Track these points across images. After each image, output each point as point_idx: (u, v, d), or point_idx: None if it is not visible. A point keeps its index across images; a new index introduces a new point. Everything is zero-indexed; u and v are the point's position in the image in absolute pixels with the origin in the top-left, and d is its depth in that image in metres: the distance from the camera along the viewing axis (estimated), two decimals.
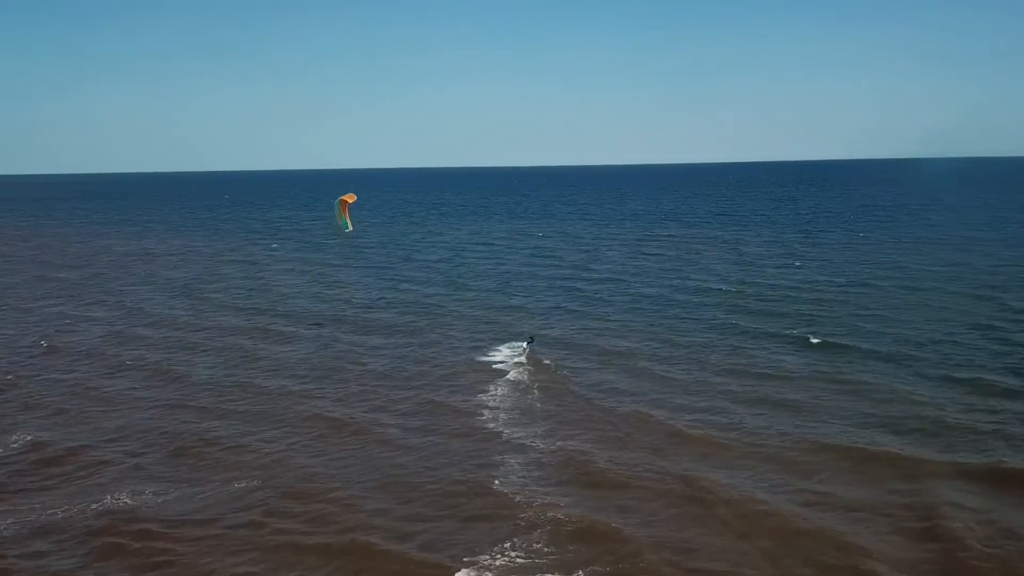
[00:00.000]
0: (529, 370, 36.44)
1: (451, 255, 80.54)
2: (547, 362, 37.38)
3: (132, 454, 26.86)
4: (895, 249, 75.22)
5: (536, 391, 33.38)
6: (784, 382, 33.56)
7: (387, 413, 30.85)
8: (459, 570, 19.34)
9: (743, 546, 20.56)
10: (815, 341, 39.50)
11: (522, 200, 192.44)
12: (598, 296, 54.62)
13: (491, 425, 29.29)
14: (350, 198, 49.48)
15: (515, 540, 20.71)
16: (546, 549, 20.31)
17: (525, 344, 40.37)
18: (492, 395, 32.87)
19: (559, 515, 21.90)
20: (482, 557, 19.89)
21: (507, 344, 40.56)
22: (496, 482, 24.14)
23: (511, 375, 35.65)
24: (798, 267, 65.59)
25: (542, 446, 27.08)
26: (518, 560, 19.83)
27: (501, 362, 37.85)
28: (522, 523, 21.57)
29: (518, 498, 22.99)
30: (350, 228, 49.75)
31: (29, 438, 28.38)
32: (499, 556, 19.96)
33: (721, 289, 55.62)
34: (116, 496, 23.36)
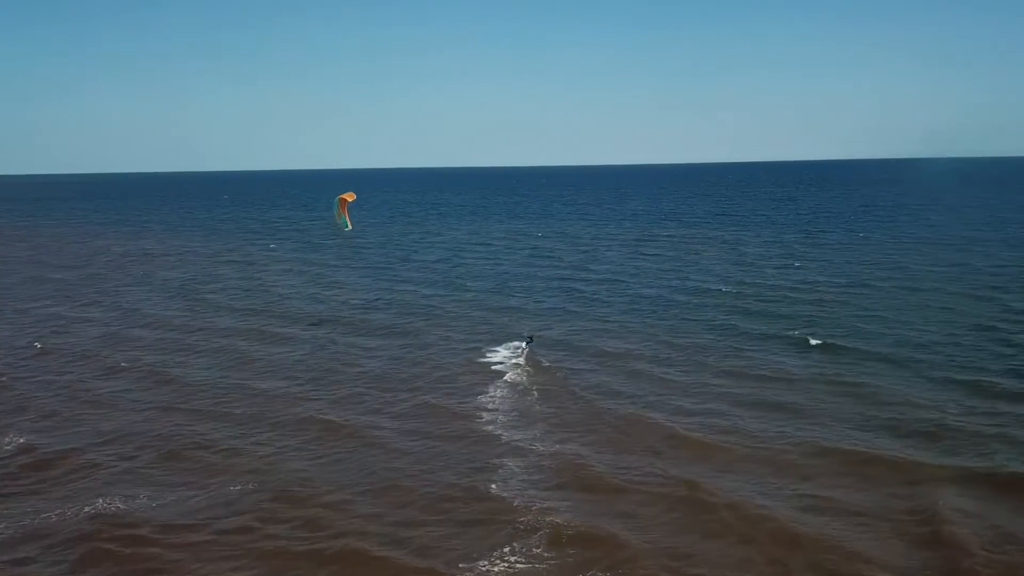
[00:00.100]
0: (527, 371, 36.12)
1: (449, 255, 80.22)
2: (546, 363, 37.06)
3: (124, 457, 26.53)
4: (895, 249, 74.91)
5: (534, 393, 33.07)
6: (784, 384, 33.24)
7: (383, 416, 30.52)
8: None
9: (742, 552, 20.26)
10: (815, 342, 39.18)
11: (521, 200, 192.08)
12: (597, 297, 54.30)
13: (488, 428, 28.97)
14: (350, 197, 49.20)
15: (512, 545, 20.40)
16: (544, 554, 20.01)
17: (524, 344, 40.07)
18: (490, 397, 32.55)
19: (557, 520, 21.57)
20: (479, 563, 19.59)
21: (505, 345, 40.23)
22: (493, 486, 23.81)
23: (509, 376, 35.34)
24: (798, 267, 65.28)
25: (540, 449, 26.75)
26: (517, 566, 19.55)
27: (499, 363, 37.53)
28: (519, 528, 21.25)
29: (515, 502, 22.66)
30: (349, 227, 49.46)
31: (21, 441, 28.05)
32: (496, 562, 19.65)
33: (721, 290, 55.30)
34: (107, 500, 23.01)
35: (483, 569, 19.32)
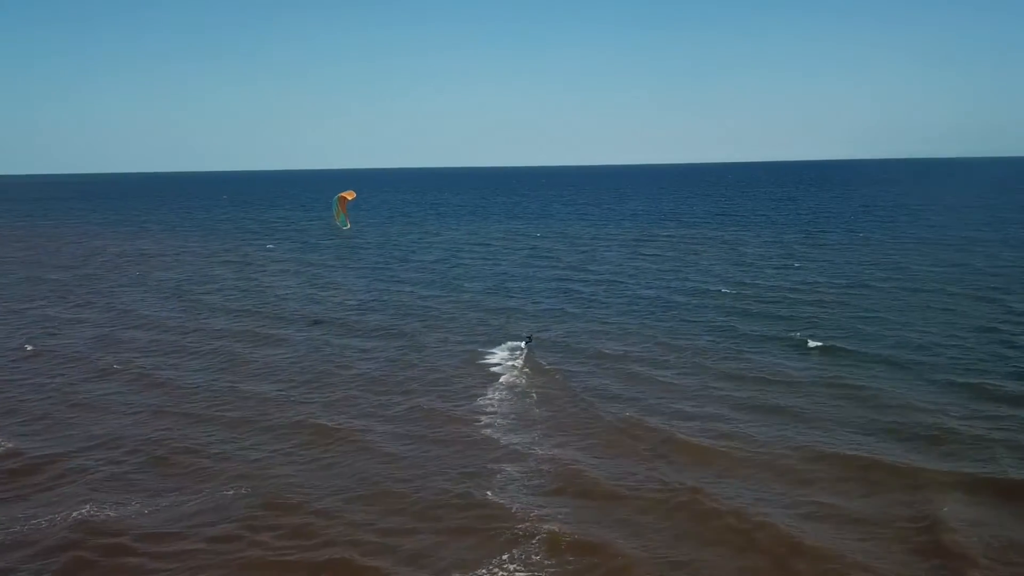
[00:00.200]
0: (525, 373, 35.65)
1: (448, 256, 79.76)
2: (543, 366, 36.59)
3: (112, 462, 26.03)
4: (896, 250, 74.43)
5: (532, 396, 32.57)
6: (784, 387, 32.77)
7: (376, 419, 30.03)
8: None
9: (742, 560, 19.82)
10: (816, 344, 38.71)
11: (520, 200, 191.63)
12: (596, 298, 53.85)
13: (485, 432, 28.47)
14: (349, 195, 48.82)
15: (509, 553, 19.94)
16: (541, 563, 19.56)
17: (523, 344, 39.68)
18: (486, 400, 32.05)
19: (554, 527, 21.06)
20: (474, 572, 19.11)
21: (503, 346, 39.77)
22: (489, 492, 23.29)
23: (506, 379, 34.86)
24: (797, 268, 64.82)
25: (537, 454, 26.24)
26: (517, 574, 19.06)
27: (497, 364, 37.08)
28: (515, 535, 20.75)
29: (511, 509, 22.15)
30: (347, 226, 49.07)
31: (9, 445, 27.58)
32: (493, 570, 19.20)
33: (720, 291, 54.84)
34: (92, 507, 22.50)
35: None
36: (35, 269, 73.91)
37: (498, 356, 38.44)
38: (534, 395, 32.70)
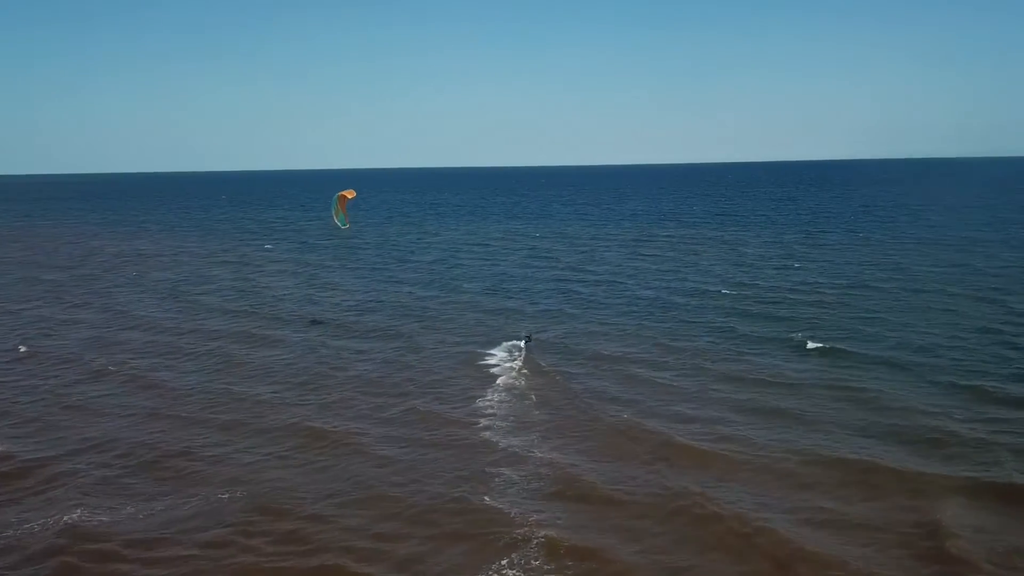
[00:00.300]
0: (524, 374, 35.32)
1: (446, 256, 79.44)
2: (542, 367, 36.27)
3: (103, 466, 25.68)
4: (896, 250, 74.10)
5: (529, 398, 32.23)
6: (783, 389, 32.43)
7: (372, 422, 29.69)
8: None
9: (741, 566, 19.50)
10: (816, 346, 38.38)
11: (520, 200, 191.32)
12: (595, 298, 53.52)
13: (481, 435, 28.11)
14: (349, 194, 48.54)
15: (505, 559, 19.63)
16: (538, 569, 19.23)
17: (523, 343, 39.40)
18: (483, 402, 31.68)
19: (551, 532, 20.72)
20: None
21: (501, 347, 39.47)
22: (486, 497, 22.94)
23: (504, 380, 34.50)
24: (797, 268, 64.49)
25: (535, 458, 25.86)
26: None
27: (495, 366, 36.74)
28: (511, 541, 20.42)
29: (508, 514, 21.81)
30: (347, 225, 48.77)
31: (1, 448, 27.22)
32: None
33: (720, 291, 54.51)
34: (82, 512, 22.16)
35: None
36: (32, 269, 73.58)
37: (496, 357, 38.11)
38: (533, 397, 32.36)
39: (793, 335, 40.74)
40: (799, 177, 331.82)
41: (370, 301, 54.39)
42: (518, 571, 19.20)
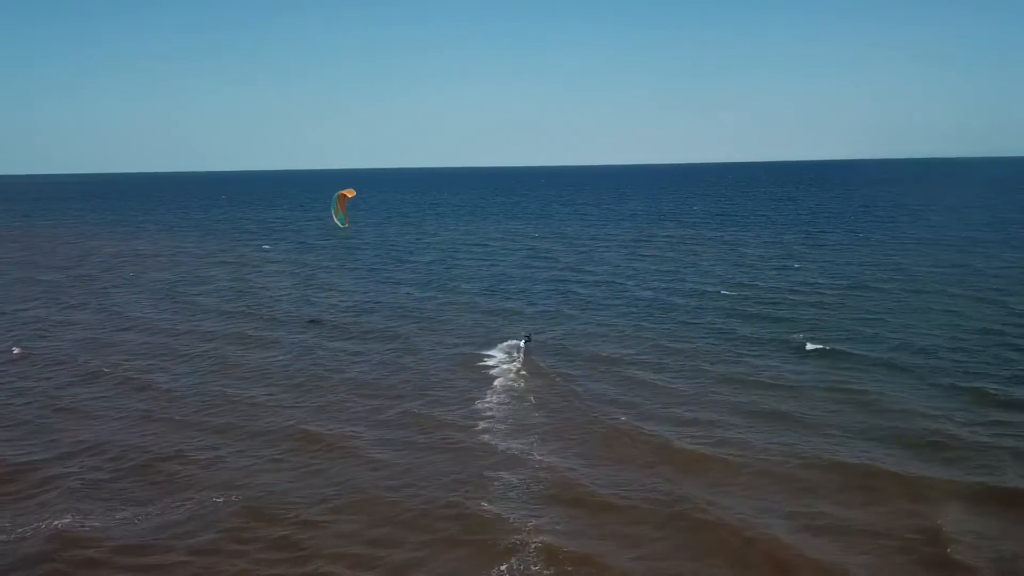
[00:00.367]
0: (522, 376, 35.00)
1: (445, 256, 79.12)
2: (541, 368, 35.96)
3: (93, 470, 25.34)
4: (896, 251, 73.77)
5: (528, 400, 31.89)
6: (783, 391, 32.09)
7: (368, 425, 29.35)
8: None
9: (741, 573, 19.19)
10: (816, 347, 38.06)
11: (520, 200, 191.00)
12: (594, 299, 53.20)
13: (479, 438, 27.75)
14: (349, 193, 48.30)
15: (499, 567, 19.30)
16: (539, 573, 18.97)
17: (522, 343, 39.13)
18: (482, 405, 31.32)
19: (549, 539, 20.40)
20: None
21: (499, 349, 39.17)
22: (482, 502, 22.61)
23: (503, 382, 34.16)
24: (797, 269, 64.17)
25: (532, 462, 25.48)
26: None
27: (493, 367, 36.41)
28: (507, 547, 20.10)
29: (504, 520, 21.47)
30: (346, 224, 48.52)
31: None
32: None
33: (719, 292, 54.20)
34: (70, 517, 21.82)
35: None
36: (29, 270, 73.26)
37: (495, 358, 37.80)
38: (531, 399, 32.03)
39: (793, 336, 40.42)
40: (799, 177, 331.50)
41: (368, 302, 54.06)
42: None
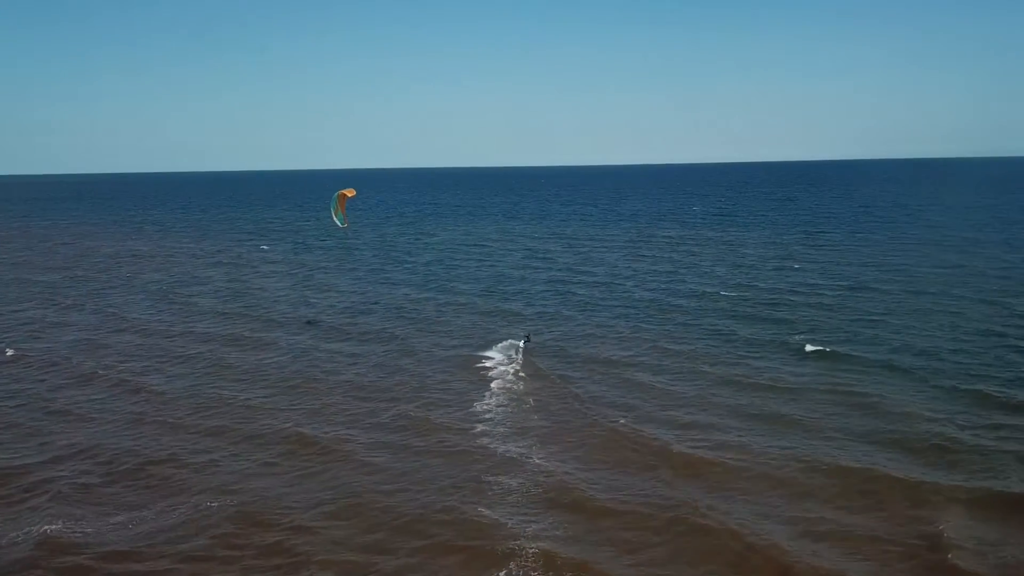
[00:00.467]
0: (520, 378, 34.69)
1: (444, 257, 78.80)
2: (539, 370, 35.65)
3: (84, 474, 25.01)
4: (897, 251, 73.44)
5: (525, 403, 31.56)
6: (783, 394, 31.78)
7: (363, 428, 29.03)
8: None
9: None
10: (816, 349, 37.75)
11: (519, 200, 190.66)
12: (593, 300, 52.88)
13: (476, 441, 27.43)
14: (350, 192, 48.01)
15: (496, 573, 19.01)
16: None
17: (521, 343, 38.84)
18: (478, 407, 31.01)
19: (545, 545, 20.06)
20: None
21: (498, 350, 38.86)
22: (478, 507, 22.27)
23: (500, 384, 33.84)
24: (797, 269, 63.85)
25: (530, 466, 25.11)
26: None
27: (490, 369, 36.10)
28: (503, 554, 19.78)
29: (500, 525, 21.16)
30: (345, 224, 48.24)
31: None
32: None
33: (719, 293, 53.88)
34: (57, 523, 21.46)
35: None
36: (26, 271, 72.93)
37: (492, 360, 37.50)
38: (530, 401, 31.71)
39: (793, 338, 40.12)
40: (799, 177, 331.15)
41: (365, 303, 53.75)
42: None
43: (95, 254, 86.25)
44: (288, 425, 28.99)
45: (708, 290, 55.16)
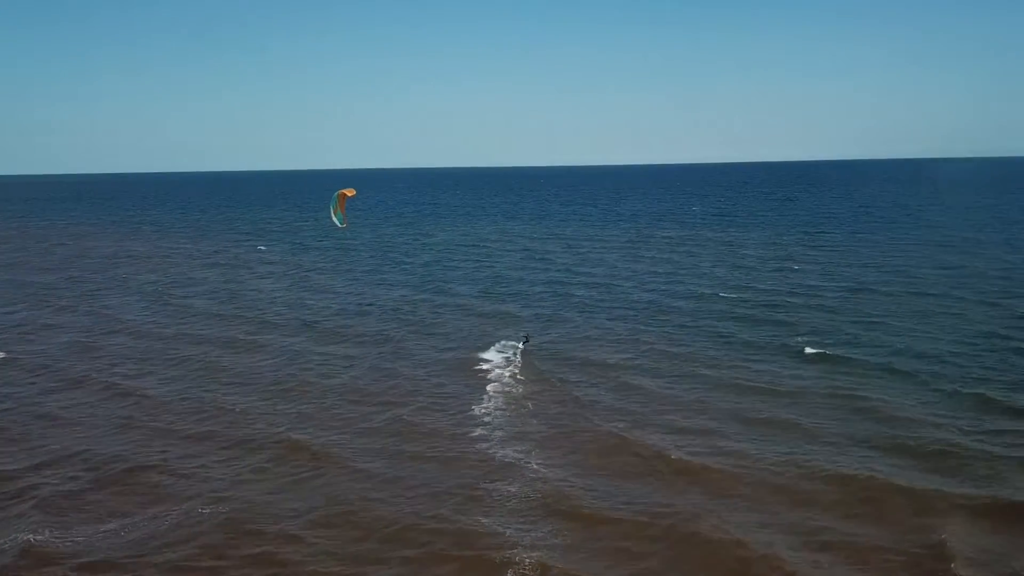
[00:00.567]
0: (518, 381, 34.23)
1: (441, 257, 78.34)
2: (537, 372, 35.21)
3: (69, 480, 24.52)
4: (897, 252, 73.03)
5: (523, 407, 31.06)
6: (783, 398, 31.32)
7: (355, 433, 28.50)
8: None
9: None
10: (816, 351, 37.30)
11: (518, 200, 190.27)
12: (591, 302, 52.43)
13: (471, 447, 26.92)
14: (349, 192, 47.57)
15: None
16: None
17: (521, 344, 38.41)
18: (475, 412, 30.50)
19: (540, 555, 19.62)
20: None
21: (495, 350, 38.44)
22: (472, 515, 21.82)
23: (497, 388, 33.36)
24: (796, 270, 63.42)
25: (525, 473, 24.63)
26: None
27: (488, 372, 35.65)
28: (498, 563, 19.35)
29: (495, 534, 20.71)
30: (344, 224, 47.78)
31: None
32: None
33: (718, 294, 53.43)
34: (42, 531, 20.99)
35: None
36: (21, 271, 72.44)
37: (490, 363, 37.05)
38: (529, 405, 31.23)
39: (793, 340, 39.67)
40: (799, 177, 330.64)
41: (362, 304, 53.29)
42: None
43: (92, 255, 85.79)
44: (280, 430, 28.54)
45: (707, 291, 54.72)
